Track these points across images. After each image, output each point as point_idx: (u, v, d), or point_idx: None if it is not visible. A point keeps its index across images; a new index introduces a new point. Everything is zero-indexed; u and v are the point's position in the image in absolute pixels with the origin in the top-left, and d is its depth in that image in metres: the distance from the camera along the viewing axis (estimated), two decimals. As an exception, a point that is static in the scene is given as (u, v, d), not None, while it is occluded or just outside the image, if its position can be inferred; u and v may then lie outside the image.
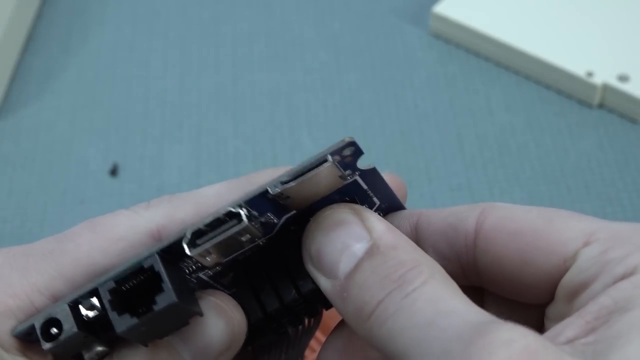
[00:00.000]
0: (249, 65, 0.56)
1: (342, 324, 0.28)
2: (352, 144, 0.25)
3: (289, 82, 0.54)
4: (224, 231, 0.25)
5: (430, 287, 0.23)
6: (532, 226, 0.25)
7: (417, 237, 0.27)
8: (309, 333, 0.31)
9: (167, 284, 0.24)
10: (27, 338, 0.26)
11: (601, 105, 0.53)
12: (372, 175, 0.27)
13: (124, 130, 0.53)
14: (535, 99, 0.53)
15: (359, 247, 0.24)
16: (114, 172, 0.51)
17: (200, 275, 0.27)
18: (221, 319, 0.27)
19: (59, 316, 0.25)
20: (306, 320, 0.30)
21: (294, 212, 0.27)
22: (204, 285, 0.28)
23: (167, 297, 0.24)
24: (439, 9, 0.56)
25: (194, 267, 0.27)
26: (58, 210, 0.49)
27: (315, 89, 0.54)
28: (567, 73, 0.53)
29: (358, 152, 0.26)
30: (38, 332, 0.25)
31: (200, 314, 0.26)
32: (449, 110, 0.53)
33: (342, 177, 0.26)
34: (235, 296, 0.28)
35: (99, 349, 0.26)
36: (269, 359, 0.31)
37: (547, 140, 0.51)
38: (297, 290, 0.27)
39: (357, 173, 0.27)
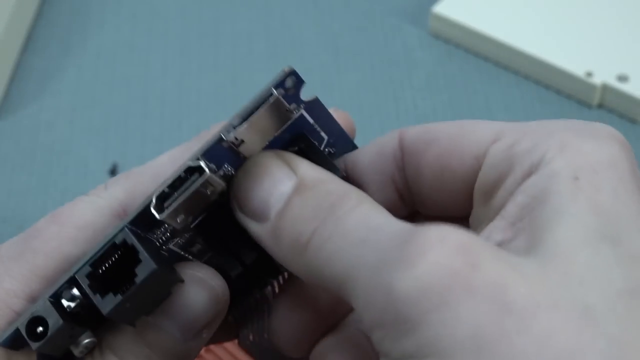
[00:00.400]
0: (248, 65, 0.56)
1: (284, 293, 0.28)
2: (292, 72, 0.25)
3: (289, 82, 0.54)
4: (188, 187, 0.24)
5: (360, 209, 0.23)
6: (446, 133, 0.26)
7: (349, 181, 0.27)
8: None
9: (143, 253, 0.24)
10: (13, 345, 0.26)
11: (600, 106, 0.53)
12: (317, 107, 0.27)
13: (124, 130, 0.53)
14: (534, 99, 0.53)
15: (286, 185, 0.24)
16: (113, 172, 0.51)
17: (171, 246, 0.27)
18: (202, 289, 0.26)
19: (42, 313, 0.25)
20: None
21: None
22: (176, 257, 0.27)
23: (146, 266, 0.24)
24: (439, 9, 0.56)
25: (163, 238, 0.26)
26: (58, 210, 0.49)
27: (315, 89, 0.54)
28: (566, 73, 0.53)
29: (299, 82, 0.26)
30: (24, 333, 0.25)
31: (181, 281, 0.25)
32: (448, 110, 0.53)
33: (289, 112, 0.26)
34: (210, 261, 0.28)
35: (86, 341, 0.25)
36: (251, 327, 0.30)
37: (547, 140, 0.51)
38: None
39: (302, 106, 0.26)
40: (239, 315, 0.30)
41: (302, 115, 0.27)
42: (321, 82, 0.54)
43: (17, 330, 0.25)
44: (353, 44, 0.57)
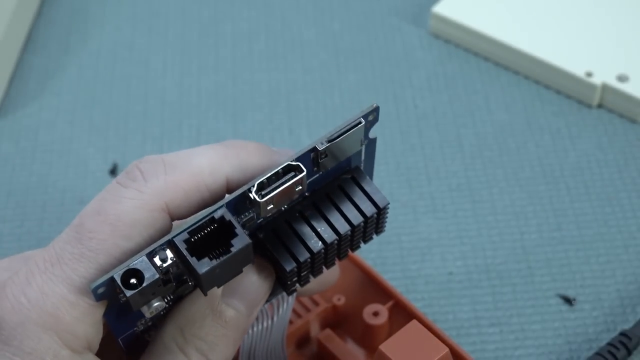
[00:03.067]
0: (248, 65, 0.56)
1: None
2: (376, 110, 0.31)
3: (289, 82, 0.54)
4: (285, 181, 0.29)
5: None
6: None
7: None
8: (291, 298, 0.35)
9: (239, 229, 0.28)
10: (100, 296, 0.28)
11: (600, 105, 0.53)
12: (372, 145, 0.32)
13: (124, 130, 0.53)
14: (534, 98, 0.53)
15: None
16: (113, 171, 0.51)
17: None
18: (268, 273, 0.31)
19: (138, 266, 0.27)
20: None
21: (319, 174, 0.31)
22: None
23: (241, 240, 0.28)
24: (439, 9, 0.56)
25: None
26: (57, 210, 0.49)
27: (315, 89, 0.54)
28: (566, 73, 0.53)
29: (375, 120, 0.31)
30: (119, 282, 0.27)
31: (252, 262, 0.30)
32: (448, 110, 0.53)
33: (361, 143, 0.31)
34: (265, 247, 0.32)
35: (157, 303, 0.28)
36: (257, 324, 0.34)
37: (547, 140, 0.51)
38: (336, 232, 0.31)
39: (365, 141, 0.32)
40: None
41: (360, 150, 0.32)
42: (321, 82, 0.55)
43: (112, 279, 0.27)
44: (353, 44, 0.57)
